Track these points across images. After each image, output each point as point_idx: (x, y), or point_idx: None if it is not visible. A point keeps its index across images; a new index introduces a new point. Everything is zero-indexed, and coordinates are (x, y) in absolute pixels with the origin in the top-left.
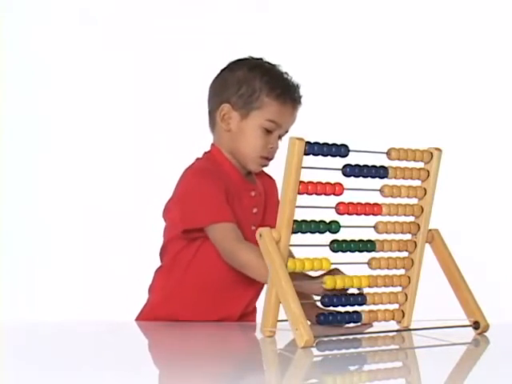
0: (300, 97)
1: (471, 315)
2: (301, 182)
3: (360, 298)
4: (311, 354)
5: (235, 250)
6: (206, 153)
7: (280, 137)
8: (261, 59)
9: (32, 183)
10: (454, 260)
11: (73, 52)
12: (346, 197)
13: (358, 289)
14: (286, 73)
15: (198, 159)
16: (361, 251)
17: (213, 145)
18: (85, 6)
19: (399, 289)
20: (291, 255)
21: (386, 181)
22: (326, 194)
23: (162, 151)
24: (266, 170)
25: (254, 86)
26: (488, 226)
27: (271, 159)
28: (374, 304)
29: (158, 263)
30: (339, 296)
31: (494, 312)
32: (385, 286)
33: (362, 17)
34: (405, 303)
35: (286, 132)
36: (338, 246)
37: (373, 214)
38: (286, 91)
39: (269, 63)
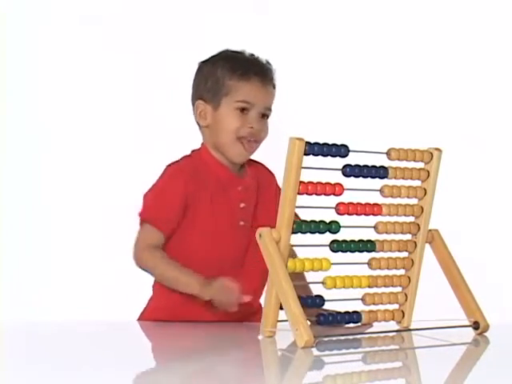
0: (267, 70)
1: (471, 315)
2: (301, 182)
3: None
4: (311, 354)
5: (141, 253)
6: (193, 151)
7: (264, 116)
8: (227, 50)
9: (32, 183)
10: (454, 260)
11: (73, 52)
12: (346, 197)
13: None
14: (251, 54)
15: (183, 157)
16: (361, 251)
17: (202, 144)
18: (85, 6)
19: (399, 289)
20: (294, 255)
21: (386, 181)
22: (325, 194)
23: (163, 151)
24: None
25: (216, 75)
26: (488, 226)
27: (256, 141)
28: (373, 304)
29: None
30: None
31: (494, 312)
32: (385, 286)
33: (361, 18)
34: (405, 303)
35: (269, 111)
36: (337, 246)
37: (373, 214)
38: (247, 69)
39: (232, 51)
